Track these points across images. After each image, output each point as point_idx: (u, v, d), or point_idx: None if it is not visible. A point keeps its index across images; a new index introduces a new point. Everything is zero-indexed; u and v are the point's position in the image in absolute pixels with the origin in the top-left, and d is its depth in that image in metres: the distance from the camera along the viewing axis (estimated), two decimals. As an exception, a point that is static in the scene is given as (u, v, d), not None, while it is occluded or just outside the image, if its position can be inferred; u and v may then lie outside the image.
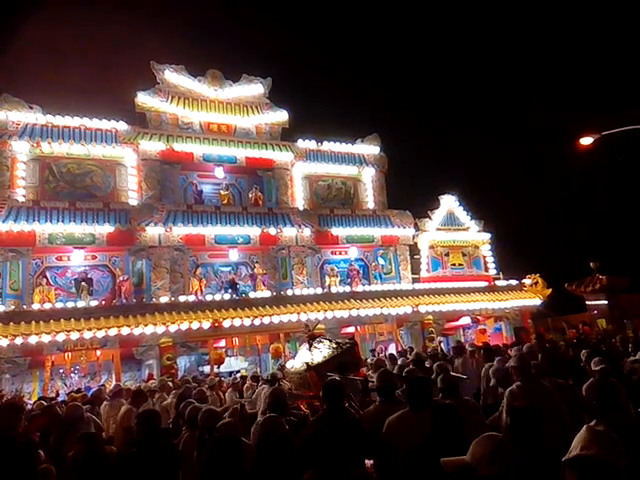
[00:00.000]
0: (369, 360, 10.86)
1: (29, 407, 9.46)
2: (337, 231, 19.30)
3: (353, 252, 19.83)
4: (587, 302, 19.96)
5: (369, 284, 19.56)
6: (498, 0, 47.58)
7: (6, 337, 12.56)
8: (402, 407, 4.15)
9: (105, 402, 8.91)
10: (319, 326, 14.01)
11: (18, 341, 12.68)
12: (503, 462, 2.09)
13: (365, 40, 52.85)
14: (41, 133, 16.29)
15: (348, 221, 19.63)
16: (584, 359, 6.60)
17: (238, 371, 14.71)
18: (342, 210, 20.17)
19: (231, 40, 47.93)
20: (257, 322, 15.14)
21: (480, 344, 12.51)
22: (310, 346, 7.03)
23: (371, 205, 21.20)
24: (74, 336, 13.13)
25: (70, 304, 14.41)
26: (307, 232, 18.56)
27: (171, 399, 8.58)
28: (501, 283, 21.24)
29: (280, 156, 19.64)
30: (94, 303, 14.78)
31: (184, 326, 14.34)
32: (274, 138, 20.15)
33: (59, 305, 14.42)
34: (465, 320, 19.54)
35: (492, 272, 22.01)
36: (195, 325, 14.46)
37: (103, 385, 13.22)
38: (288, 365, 8.22)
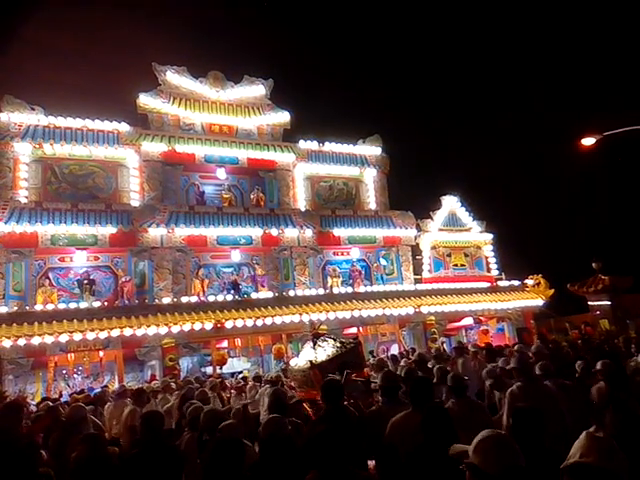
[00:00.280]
0: (370, 361, 10.85)
1: (32, 408, 9.49)
2: (339, 232, 19.30)
3: (355, 253, 19.84)
4: (589, 303, 19.91)
5: (371, 285, 19.57)
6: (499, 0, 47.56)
7: (9, 338, 12.59)
8: (405, 408, 4.15)
9: (109, 402, 8.94)
10: (321, 327, 14.04)
11: (21, 342, 12.70)
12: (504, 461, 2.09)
13: (366, 40, 52.89)
14: (43, 134, 16.32)
15: (350, 222, 19.63)
16: (579, 370, 6.58)
17: (240, 372, 14.70)
18: (344, 211, 20.18)
19: (232, 41, 47.98)
20: (259, 323, 15.15)
21: (483, 345, 12.51)
22: (314, 344, 7.05)
23: (373, 206, 21.20)
24: (77, 337, 13.15)
25: (73, 305, 14.44)
26: (309, 233, 18.57)
27: (174, 400, 8.60)
28: (503, 284, 21.23)
29: (282, 157, 19.66)
30: (97, 304, 14.80)
31: (186, 327, 14.36)
32: (276, 139, 20.17)
33: (62, 306, 14.45)
34: (467, 321, 19.53)
35: (494, 273, 22.00)
36: (197, 326, 14.48)
37: (106, 386, 13.25)
38: (292, 363, 8.24)
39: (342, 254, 20.06)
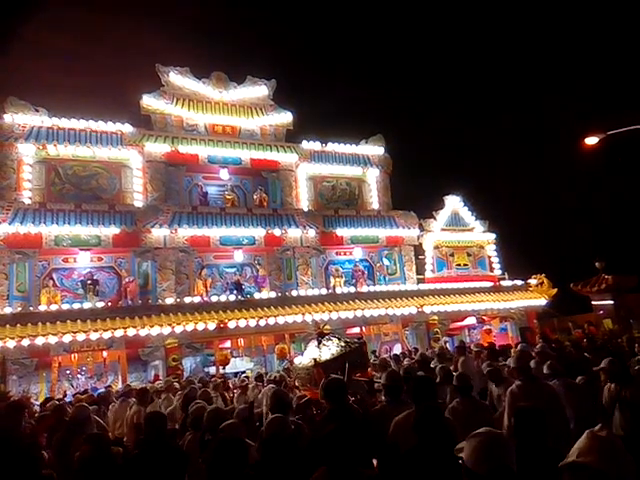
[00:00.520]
0: (373, 360, 10.85)
1: (36, 408, 9.54)
2: (342, 232, 19.32)
3: (358, 253, 19.85)
4: (593, 302, 19.88)
5: (374, 285, 19.58)
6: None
7: (13, 339, 12.64)
8: (408, 407, 4.16)
9: (114, 403, 8.98)
10: (325, 327, 14.05)
11: (25, 342, 12.76)
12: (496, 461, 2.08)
13: (369, 40, 52.86)
14: (47, 136, 16.37)
15: (353, 222, 19.65)
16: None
17: (244, 372, 14.71)
18: (347, 211, 20.19)
19: (235, 42, 48.04)
20: (262, 323, 15.18)
21: (486, 344, 12.49)
22: (319, 343, 7.08)
23: (375, 206, 21.20)
24: (80, 337, 13.20)
25: (76, 305, 14.49)
26: (312, 233, 18.59)
27: (177, 402, 8.64)
28: (506, 283, 21.20)
29: (285, 157, 19.68)
30: (100, 304, 14.84)
31: (189, 327, 14.39)
32: (278, 139, 20.20)
33: (65, 306, 14.51)
34: (470, 320, 19.51)
35: (497, 272, 21.97)
36: (200, 326, 14.52)
37: (110, 386, 13.28)
38: (296, 361, 8.26)
39: (345, 254, 20.08)
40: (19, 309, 14.08)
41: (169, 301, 15.60)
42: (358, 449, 2.97)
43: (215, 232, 17.10)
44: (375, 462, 4.12)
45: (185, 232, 16.65)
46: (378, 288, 19.00)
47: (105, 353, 14.28)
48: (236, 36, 46.61)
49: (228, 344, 15.79)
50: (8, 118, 16.05)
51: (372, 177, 21.55)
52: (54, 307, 14.37)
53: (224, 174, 18.69)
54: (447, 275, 20.92)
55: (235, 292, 16.81)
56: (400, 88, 44.52)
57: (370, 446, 4.07)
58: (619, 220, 34.29)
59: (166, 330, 14.19)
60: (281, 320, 15.48)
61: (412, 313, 17.76)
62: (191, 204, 17.92)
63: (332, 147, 20.88)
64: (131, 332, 13.74)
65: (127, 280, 15.96)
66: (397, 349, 17.07)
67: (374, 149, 21.75)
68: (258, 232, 17.71)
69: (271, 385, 8.21)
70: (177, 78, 18.82)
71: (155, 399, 8.96)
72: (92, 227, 15.52)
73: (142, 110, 18.24)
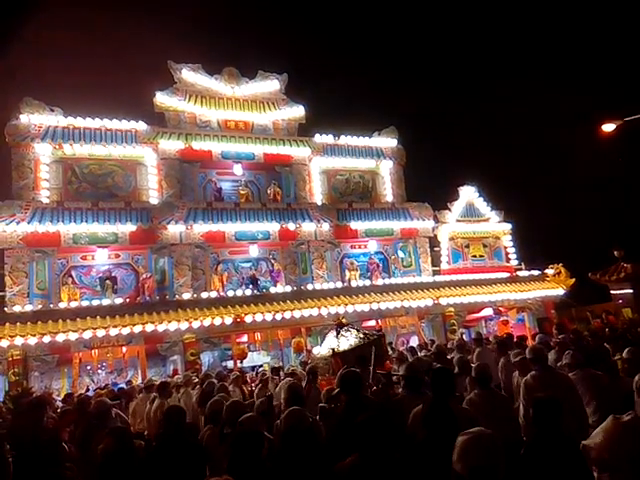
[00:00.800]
0: (390, 353, 10.85)
1: (58, 404, 9.72)
2: (356, 225, 19.30)
3: (372, 245, 19.83)
4: (612, 291, 19.66)
5: (389, 277, 19.56)
6: (515, -14, 46.78)
7: (34, 336, 12.88)
8: (427, 399, 4.17)
9: (136, 397, 9.13)
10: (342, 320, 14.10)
11: (46, 339, 12.99)
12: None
13: (380, 31, 52.45)
14: (63, 135, 16.55)
15: (367, 215, 19.62)
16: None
17: (261, 365, 14.82)
18: (360, 204, 20.15)
19: (246, 37, 48.02)
20: (278, 317, 15.27)
21: (503, 335, 12.43)
22: (338, 333, 7.13)
23: (390, 198, 21.12)
24: (100, 333, 13.40)
25: (95, 302, 14.71)
26: (326, 227, 18.61)
27: (195, 396, 8.75)
28: (523, 274, 21.01)
29: (297, 151, 19.68)
30: (119, 301, 15.06)
31: (207, 322, 14.53)
32: (291, 134, 20.20)
33: (85, 303, 14.74)
34: (487, 312, 19.40)
35: (513, 263, 21.79)
36: (217, 321, 14.64)
37: (130, 381, 13.48)
38: (314, 351, 8.31)
39: (359, 247, 20.06)
40: (40, 307, 14.33)
41: (186, 296, 15.74)
42: (391, 436, 3.00)
43: (230, 227, 17.20)
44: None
45: (200, 228, 16.77)
46: (393, 281, 18.97)
47: (124, 349, 14.49)
48: (247, 31, 46.63)
49: (245, 338, 15.91)
50: (24, 118, 16.24)
51: (385, 169, 21.46)
52: (74, 304, 14.61)
53: (238, 169, 18.76)
54: (463, 266, 20.80)
55: (251, 287, 16.92)
56: (413, 79, 44.22)
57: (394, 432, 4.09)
58: (638, 208, 33.73)
59: (184, 325, 14.34)
60: (297, 314, 15.55)
61: (428, 305, 17.71)
62: (206, 200, 18.03)
63: (345, 140, 20.82)
64: (149, 328, 13.91)
65: (144, 276, 16.14)
66: (413, 341, 17.03)
67: (387, 141, 21.65)
68: (272, 227, 17.77)
69: (288, 378, 8.27)
70: (189, 75, 18.89)
71: (174, 393, 9.08)
72: (109, 225, 15.71)
73: (156, 107, 18.36)
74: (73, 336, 13.17)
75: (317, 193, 19.94)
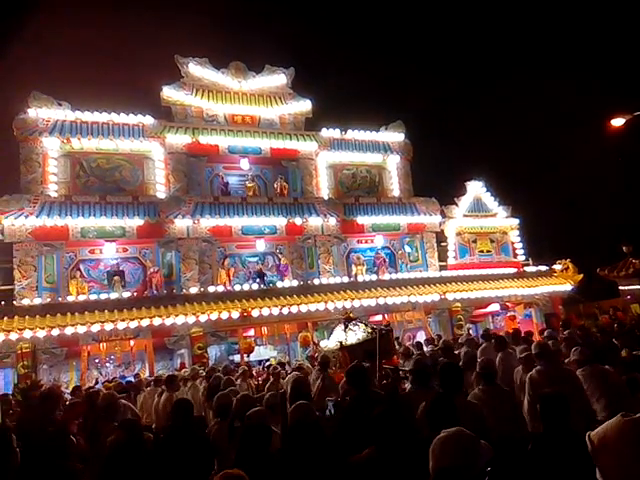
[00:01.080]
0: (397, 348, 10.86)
1: (67, 396, 9.81)
2: (363, 220, 19.28)
3: (379, 240, 19.82)
4: (620, 287, 19.54)
5: (396, 272, 19.54)
6: (524, -21, 46.33)
7: (43, 329, 12.96)
8: (433, 393, 4.17)
9: (144, 390, 9.19)
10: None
11: (55, 332, 13.06)
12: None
13: (387, 25, 52.18)
14: (71, 129, 16.61)
15: (373, 209, 19.59)
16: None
17: (267, 360, 14.90)
18: (367, 198, 20.12)
19: (253, 31, 47.90)
20: (285, 311, 15.30)
21: (511, 331, 12.39)
22: (346, 327, 7.15)
23: (396, 193, 21.07)
24: (108, 327, 13.47)
25: (103, 296, 14.78)
26: (332, 221, 18.60)
27: (203, 388, 8.80)
28: (530, 269, 20.92)
29: (304, 146, 19.65)
30: (126, 294, 15.13)
31: (214, 316, 14.58)
32: (298, 128, 20.17)
33: (93, 297, 14.81)
34: (494, 307, 19.35)
35: (521, 258, 21.70)
36: (224, 315, 14.68)
37: (138, 374, 13.57)
38: (322, 344, 8.33)
39: (366, 242, 20.05)
40: (48, 300, 14.42)
41: (193, 290, 15.80)
42: (405, 430, 3.01)
43: (237, 222, 17.23)
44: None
45: (207, 222, 16.81)
46: (400, 275, 18.95)
47: (132, 342, 14.59)
48: (253, 25, 46.52)
49: (252, 332, 15.97)
50: (32, 112, 16.32)
51: (392, 164, 21.40)
52: (82, 297, 14.69)
53: (244, 164, 18.77)
54: (470, 262, 20.74)
55: (258, 281, 16.95)
56: (421, 74, 44.00)
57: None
58: (647, 203, 33.40)
59: (191, 319, 14.40)
60: (304, 308, 15.56)
61: (435, 300, 17.68)
62: (212, 194, 18.05)
63: (352, 134, 20.77)
64: (157, 321, 13.97)
65: (152, 270, 16.21)
66: (420, 336, 17.03)
67: (394, 136, 21.57)
68: (279, 221, 17.79)
69: (295, 372, 8.30)
70: (196, 69, 18.88)
71: (181, 386, 9.14)
72: (117, 219, 15.78)
73: (162, 102, 18.38)
74: (81, 329, 13.24)
75: (324, 188, 19.92)
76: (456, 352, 8.30)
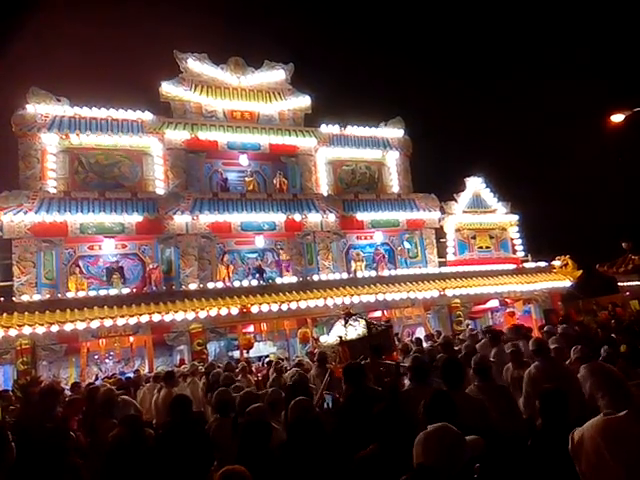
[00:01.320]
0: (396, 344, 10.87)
1: (66, 392, 9.82)
2: (362, 216, 19.27)
3: (378, 237, 19.80)
4: (619, 283, 19.56)
5: (395, 268, 19.54)
6: (524, -26, 46.17)
7: (42, 325, 12.96)
8: (432, 389, 4.17)
9: (142, 387, 9.19)
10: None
11: (54, 329, 13.07)
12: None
13: (387, 21, 52.02)
14: (69, 125, 16.57)
15: (373, 206, 19.57)
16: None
17: (267, 356, 14.91)
18: (367, 195, 20.10)
19: (252, 26, 47.73)
20: (284, 307, 15.30)
21: (510, 327, 12.41)
22: (346, 323, 7.17)
23: (396, 189, 21.05)
24: (107, 323, 13.48)
25: (103, 292, 14.79)
26: (332, 217, 18.58)
27: (202, 385, 8.81)
28: (530, 265, 20.94)
29: (303, 142, 19.62)
30: (126, 291, 15.14)
31: (213, 312, 14.58)
32: (297, 124, 20.12)
33: (92, 293, 14.81)
34: (493, 303, 19.37)
35: (520, 254, 21.72)
36: (224, 311, 14.69)
37: (138, 370, 13.59)
38: (322, 339, 8.34)
39: (365, 238, 20.04)
40: (47, 296, 14.41)
41: (192, 287, 15.80)
42: (406, 426, 3.02)
43: (236, 218, 17.21)
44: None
45: (206, 218, 16.80)
46: (399, 272, 18.96)
47: (132, 338, 14.58)
48: (252, 20, 46.34)
49: (251, 328, 15.97)
50: (30, 108, 16.27)
51: (392, 160, 21.37)
52: (81, 294, 14.69)
53: (243, 160, 18.74)
54: (469, 258, 20.75)
55: (257, 277, 16.95)
56: (420, 69, 43.88)
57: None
58: (646, 199, 33.39)
59: (190, 315, 14.40)
60: (303, 304, 15.57)
61: (434, 296, 17.69)
62: (212, 190, 18.04)
63: (351, 130, 20.73)
64: (156, 318, 13.98)
65: (151, 266, 16.21)
66: (419, 332, 17.03)
67: (394, 131, 21.54)
68: (278, 217, 17.77)
69: (295, 369, 8.30)
70: (195, 64, 18.82)
71: (181, 382, 9.14)
72: (116, 215, 15.75)
73: (161, 97, 18.31)
74: (81, 325, 13.26)
75: (323, 184, 19.90)
76: (456, 348, 8.31)
